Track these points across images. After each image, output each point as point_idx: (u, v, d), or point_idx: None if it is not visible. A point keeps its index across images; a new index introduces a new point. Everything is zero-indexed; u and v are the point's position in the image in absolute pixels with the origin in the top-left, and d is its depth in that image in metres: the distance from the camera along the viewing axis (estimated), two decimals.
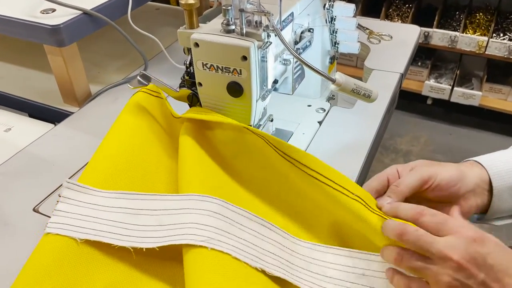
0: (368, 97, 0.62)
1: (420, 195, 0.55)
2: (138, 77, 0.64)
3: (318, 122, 0.79)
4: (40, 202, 0.66)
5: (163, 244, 0.50)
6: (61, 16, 0.79)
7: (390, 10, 2.20)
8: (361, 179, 0.70)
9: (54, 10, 0.81)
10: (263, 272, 0.50)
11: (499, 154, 0.58)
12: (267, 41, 0.57)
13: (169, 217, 0.53)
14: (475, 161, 0.58)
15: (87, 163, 0.60)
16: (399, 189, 0.53)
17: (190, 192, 0.54)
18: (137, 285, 0.52)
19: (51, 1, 0.80)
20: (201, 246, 0.48)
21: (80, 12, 0.80)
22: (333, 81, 0.59)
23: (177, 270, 0.53)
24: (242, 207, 0.54)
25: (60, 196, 0.54)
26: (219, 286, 0.46)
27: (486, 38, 1.97)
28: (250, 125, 0.63)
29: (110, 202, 0.55)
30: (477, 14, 2.09)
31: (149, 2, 1.28)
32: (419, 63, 2.21)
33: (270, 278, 0.50)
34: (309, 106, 0.83)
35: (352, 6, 0.76)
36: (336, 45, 0.82)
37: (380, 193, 0.55)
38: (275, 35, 0.56)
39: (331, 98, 0.88)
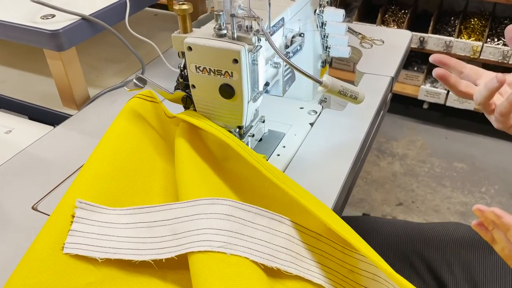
0: (355, 98, 0.64)
1: None
2: (134, 80, 0.66)
3: (309, 123, 0.81)
4: (39, 201, 0.68)
5: (180, 253, 0.50)
6: (60, 22, 0.81)
7: (386, 15, 2.22)
8: (349, 179, 0.72)
9: (53, 16, 0.83)
10: (278, 269, 0.51)
11: None
12: (258, 45, 0.59)
13: (182, 224, 0.53)
14: None
15: (83, 164, 0.62)
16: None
17: (196, 197, 0.54)
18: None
19: (50, 7, 0.83)
20: (219, 252, 0.49)
21: (79, 17, 0.82)
22: (320, 83, 0.62)
23: (182, 274, 0.53)
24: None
25: (73, 217, 0.54)
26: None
27: (480, 43, 1.99)
28: (242, 126, 0.65)
29: (123, 219, 0.55)
30: (472, 20, 2.12)
31: (148, 8, 1.31)
32: (415, 68, 2.23)
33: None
34: (302, 108, 0.86)
35: (341, 12, 0.78)
36: (327, 49, 0.84)
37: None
38: (265, 39, 0.59)
39: (323, 101, 0.91)
